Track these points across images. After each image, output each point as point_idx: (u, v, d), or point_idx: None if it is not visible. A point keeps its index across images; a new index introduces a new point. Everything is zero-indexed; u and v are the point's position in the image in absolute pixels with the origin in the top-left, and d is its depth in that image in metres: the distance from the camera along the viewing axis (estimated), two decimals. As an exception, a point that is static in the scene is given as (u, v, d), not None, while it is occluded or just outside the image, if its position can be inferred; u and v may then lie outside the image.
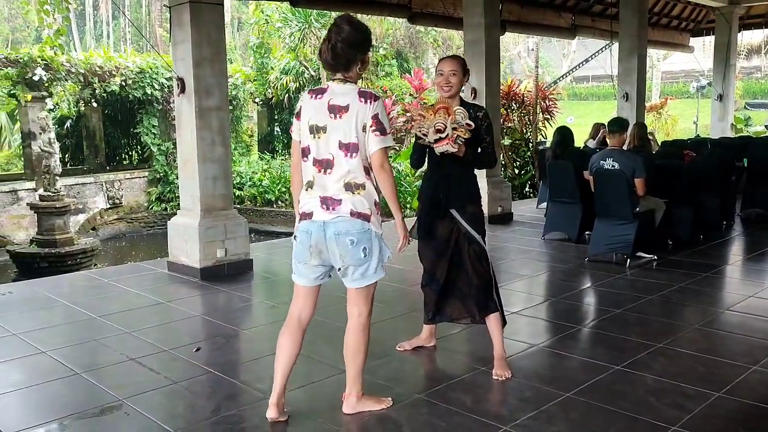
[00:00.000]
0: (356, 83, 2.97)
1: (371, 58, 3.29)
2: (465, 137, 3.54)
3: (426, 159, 3.86)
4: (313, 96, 2.95)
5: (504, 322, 3.86)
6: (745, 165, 9.23)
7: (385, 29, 21.26)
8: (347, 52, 2.87)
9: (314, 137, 2.91)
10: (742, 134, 17.45)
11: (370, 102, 2.86)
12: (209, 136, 6.10)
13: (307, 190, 2.97)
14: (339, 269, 2.99)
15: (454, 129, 3.51)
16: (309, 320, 3.13)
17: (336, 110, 2.86)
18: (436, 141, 3.54)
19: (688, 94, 33.33)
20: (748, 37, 26.13)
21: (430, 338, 4.15)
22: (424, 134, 3.58)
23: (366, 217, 2.91)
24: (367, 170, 2.92)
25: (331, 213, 2.89)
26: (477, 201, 3.80)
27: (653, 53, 29.38)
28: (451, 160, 3.64)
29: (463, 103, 3.73)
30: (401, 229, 3.10)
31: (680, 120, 25.38)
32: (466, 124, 3.54)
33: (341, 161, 2.87)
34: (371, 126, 2.85)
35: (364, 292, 3.04)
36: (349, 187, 2.89)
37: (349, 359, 3.12)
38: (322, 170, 2.89)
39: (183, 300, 5.46)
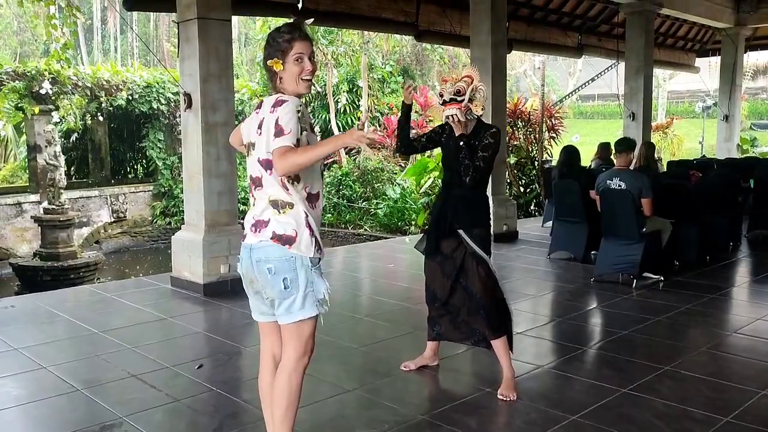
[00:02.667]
0: (286, 94, 2.64)
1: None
2: (478, 113, 3.56)
3: (408, 144, 3.94)
4: (255, 109, 2.74)
5: (510, 349, 3.84)
6: (752, 186, 9.19)
7: (392, 46, 21.35)
8: (264, 61, 2.70)
9: (248, 153, 2.72)
10: (748, 155, 17.43)
11: (276, 109, 2.56)
12: (215, 152, 6.10)
13: (251, 207, 2.71)
14: (266, 300, 2.68)
15: (470, 100, 3.52)
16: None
17: (260, 125, 2.63)
18: (449, 101, 3.53)
19: (693, 114, 33.37)
20: (753, 58, 26.23)
21: (434, 357, 4.11)
22: (440, 93, 3.59)
23: (288, 241, 2.55)
24: (288, 185, 2.59)
25: (257, 236, 2.60)
26: (485, 224, 3.76)
27: (659, 73, 29.44)
28: (460, 180, 3.65)
29: (480, 124, 3.72)
30: (354, 136, 2.52)
31: (686, 140, 25.36)
32: (482, 107, 3.56)
33: (265, 179, 2.62)
34: (273, 133, 2.52)
35: (295, 330, 2.62)
36: (276, 205, 2.59)
37: (273, 408, 2.69)
38: (255, 187, 2.67)
39: (186, 316, 5.43)
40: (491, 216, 3.87)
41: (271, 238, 2.57)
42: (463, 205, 3.69)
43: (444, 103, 3.58)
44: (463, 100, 3.53)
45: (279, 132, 2.50)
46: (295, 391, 2.65)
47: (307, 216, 2.60)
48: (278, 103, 2.57)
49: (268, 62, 2.64)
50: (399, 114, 3.90)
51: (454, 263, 3.74)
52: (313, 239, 2.59)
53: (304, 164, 2.52)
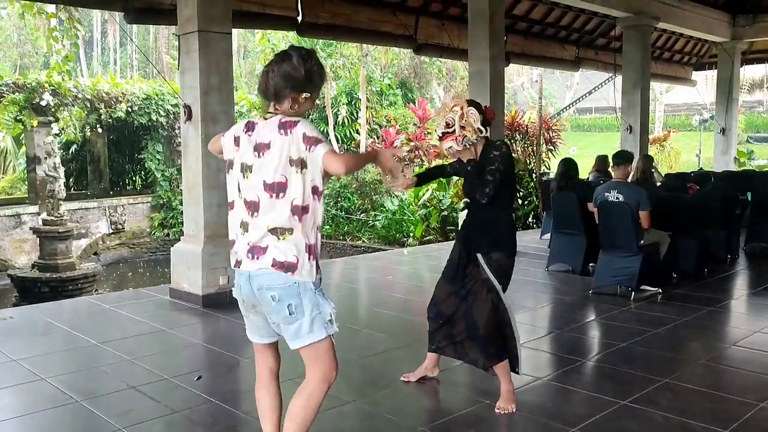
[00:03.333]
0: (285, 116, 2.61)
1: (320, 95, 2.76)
2: (473, 140, 3.56)
3: (441, 175, 4.20)
4: (246, 131, 2.65)
5: (516, 371, 3.78)
6: (749, 199, 9.22)
7: (390, 59, 21.46)
8: (279, 84, 2.57)
9: (244, 176, 2.62)
10: (745, 168, 17.49)
11: (291, 130, 2.52)
12: (215, 163, 6.11)
13: (242, 233, 2.63)
14: (272, 325, 2.66)
15: (462, 128, 3.54)
16: (279, 367, 2.81)
17: (260, 148, 2.56)
18: (443, 135, 3.59)
19: (690, 127, 33.46)
20: (750, 72, 26.36)
21: (434, 368, 4.11)
22: (436, 130, 3.68)
23: (290, 267, 2.51)
24: (298, 211, 2.53)
25: (255, 263, 2.55)
26: (505, 248, 3.68)
27: (656, 86, 29.58)
28: (480, 203, 3.62)
29: (487, 143, 3.68)
30: (389, 164, 2.73)
31: (683, 152, 25.46)
32: (478, 129, 3.54)
33: (267, 203, 2.54)
34: (305, 148, 2.50)
35: (310, 353, 2.60)
36: (275, 232, 2.53)
37: (287, 423, 2.66)
38: (251, 213, 2.59)
39: (184, 327, 5.43)
40: (516, 240, 3.75)
41: (272, 266, 2.51)
42: (483, 228, 3.67)
43: (440, 138, 3.65)
44: (455, 130, 3.55)
45: (317, 141, 2.50)
46: (312, 411, 2.63)
47: (307, 241, 2.55)
48: (289, 125, 2.52)
49: (303, 95, 2.59)
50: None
51: (464, 283, 3.74)
52: (315, 264, 2.56)
53: (359, 167, 2.71)
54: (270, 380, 2.77)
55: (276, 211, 2.52)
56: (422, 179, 4.01)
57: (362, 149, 18.50)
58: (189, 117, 6.12)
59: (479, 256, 3.65)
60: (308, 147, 2.50)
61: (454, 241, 4.04)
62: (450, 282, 3.83)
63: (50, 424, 3.54)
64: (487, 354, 3.66)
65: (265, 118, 2.62)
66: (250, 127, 2.64)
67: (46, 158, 12.00)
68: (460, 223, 4.22)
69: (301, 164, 2.51)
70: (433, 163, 12.94)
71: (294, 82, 2.56)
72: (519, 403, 3.68)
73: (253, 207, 2.57)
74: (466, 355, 3.79)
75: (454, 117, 3.54)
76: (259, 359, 2.80)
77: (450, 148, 3.57)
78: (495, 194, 3.55)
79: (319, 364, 2.62)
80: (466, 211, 3.96)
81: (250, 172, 2.58)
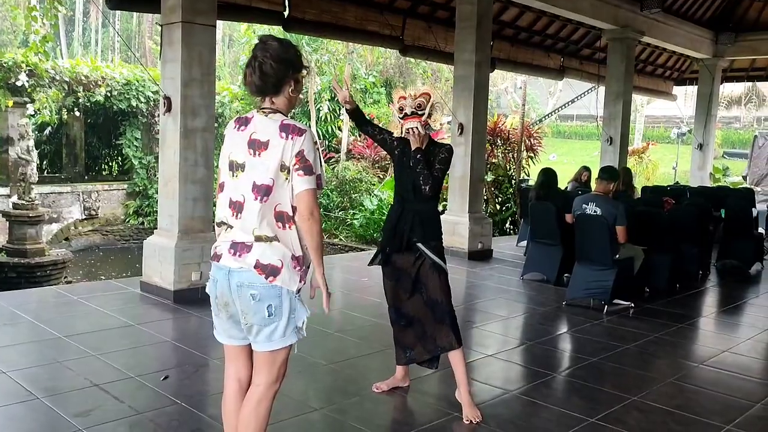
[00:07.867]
0: (285, 114, 2.56)
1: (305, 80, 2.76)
2: (436, 127, 3.73)
3: (364, 123, 4.01)
4: (237, 127, 2.56)
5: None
6: (723, 216, 9.32)
7: (376, 57, 21.40)
8: (278, 69, 2.48)
9: (232, 175, 2.52)
10: (720, 184, 17.71)
11: (293, 137, 2.44)
12: (192, 157, 6.02)
13: (226, 229, 2.56)
14: (243, 326, 2.54)
15: (429, 114, 3.69)
16: (250, 379, 2.66)
17: (256, 146, 2.46)
18: (411, 115, 3.67)
19: (668, 140, 33.87)
20: (729, 88, 26.71)
21: (405, 378, 4.11)
22: (400, 108, 3.73)
23: (273, 271, 2.44)
24: (282, 218, 2.48)
25: (238, 261, 2.46)
26: (439, 237, 3.85)
27: (637, 98, 29.85)
28: (414, 194, 3.74)
29: (432, 141, 3.83)
30: (323, 285, 2.58)
31: (660, 165, 25.74)
32: (440, 114, 3.74)
33: (251, 205, 2.46)
34: (294, 164, 2.44)
35: (270, 358, 2.54)
36: (259, 238, 2.47)
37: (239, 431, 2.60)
38: (235, 213, 2.50)
39: (154, 323, 5.33)
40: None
41: (255, 267, 2.44)
42: (419, 219, 3.76)
43: (405, 116, 3.71)
44: (423, 114, 3.67)
45: (306, 170, 2.45)
46: (263, 417, 2.59)
47: (292, 252, 2.49)
48: (294, 130, 2.46)
49: (301, 74, 2.57)
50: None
51: (411, 277, 3.80)
52: (298, 271, 2.50)
53: (318, 236, 2.51)
54: (237, 395, 2.67)
55: (260, 216, 2.46)
56: (358, 115, 3.96)
57: (344, 146, 18.44)
58: (168, 109, 6.01)
59: (420, 245, 3.75)
60: (296, 168, 2.45)
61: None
62: (389, 277, 3.92)
63: (8, 421, 3.44)
64: (455, 332, 3.76)
65: (265, 113, 2.53)
66: (243, 122, 2.57)
67: (19, 140, 11.73)
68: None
69: (288, 172, 2.47)
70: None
71: (290, 63, 2.53)
72: (489, 416, 3.68)
73: (237, 208, 2.50)
74: (437, 347, 3.83)
75: (425, 102, 3.67)
76: (229, 367, 2.71)
77: (414, 128, 3.67)
78: (436, 187, 3.73)
79: (273, 370, 2.58)
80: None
81: (242, 170, 2.50)
